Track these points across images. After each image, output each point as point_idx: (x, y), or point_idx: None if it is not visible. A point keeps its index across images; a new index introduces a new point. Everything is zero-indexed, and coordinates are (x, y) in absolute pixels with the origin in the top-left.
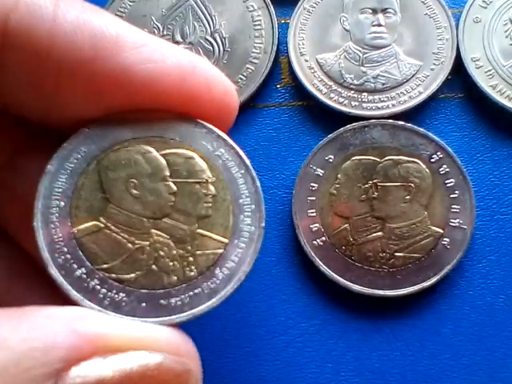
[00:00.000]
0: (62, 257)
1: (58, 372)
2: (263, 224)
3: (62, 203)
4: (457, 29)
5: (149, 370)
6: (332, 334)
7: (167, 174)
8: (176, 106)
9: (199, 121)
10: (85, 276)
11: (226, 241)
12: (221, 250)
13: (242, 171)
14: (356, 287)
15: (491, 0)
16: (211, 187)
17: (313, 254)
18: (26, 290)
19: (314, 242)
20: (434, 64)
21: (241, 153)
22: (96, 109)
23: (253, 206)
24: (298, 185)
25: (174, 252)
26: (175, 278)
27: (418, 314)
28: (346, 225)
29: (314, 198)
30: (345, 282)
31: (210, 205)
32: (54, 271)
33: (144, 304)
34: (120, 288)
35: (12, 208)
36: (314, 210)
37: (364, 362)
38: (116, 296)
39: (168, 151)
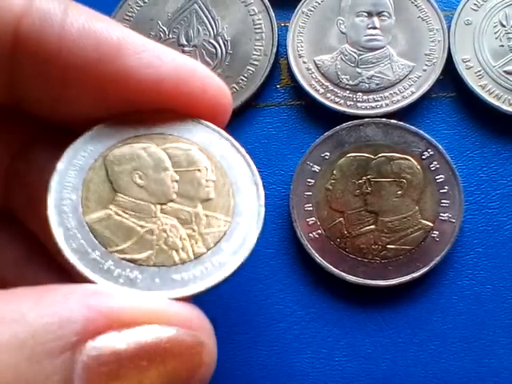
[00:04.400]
0: (76, 242)
1: (74, 345)
2: (262, 202)
3: (73, 196)
4: (448, 31)
5: (162, 343)
6: (327, 322)
7: (168, 164)
8: (174, 106)
9: (196, 119)
10: (99, 258)
11: (229, 219)
12: (226, 228)
13: (238, 158)
14: (350, 277)
15: (482, 3)
16: (210, 173)
17: (309, 246)
18: (39, 276)
19: (311, 235)
20: (426, 65)
21: (235, 143)
22: (100, 109)
23: (251, 187)
24: (295, 180)
25: (182, 232)
26: (185, 254)
27: (409, 303)
28: (340, 218)
29: (310, 193)
30: (339, 272)
31: (212, 189)
32: (69, 256)
33: (157, 280)
34: (133, 267)
35: (24, 195)
36: (310, 205)
37: (357, 347)
38: (130, 274)
39: (168, 145)
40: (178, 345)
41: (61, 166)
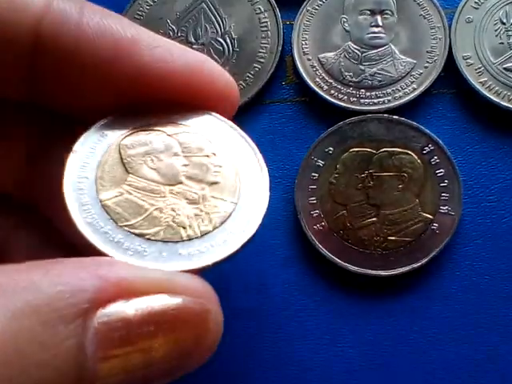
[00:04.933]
0: (90, 217)
1: (86, 312)
2: (267, 186)
3: (89, 175)
4: (449, 29)
5: (169, 310)
6: (330, 310)
7: (179, 150)
8: (185, 98)
9: (205, 110)
10: (110, 232)
11: (235, 201)
12: (231, 209)
13: (245, 146)
14: (352, 268)
15: (483, 1)
16: (218, 159)
17: (313, 237)
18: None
19: (315, 227)
20: (428, 62)
21: (241, 132)
22: (115, 102)
23: (257, 173)
24: (300, 174)
25: (189, 211)
26: (191, 232)
27: (409, 293)
28: (343, 211)
29: (314, 187)
30: (342, 262)
31: (219, 173)
32: (82, 228)
33: (164, 253)
34: (142, 241)
35: (42, 185)
36: (314, 198)
37: (359, 334)
38: (139, 247)
39: (179, 133)
40: (185, 312)
41: (78, 147)
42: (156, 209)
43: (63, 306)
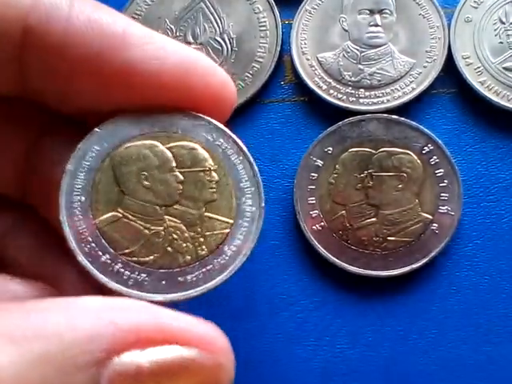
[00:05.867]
0: (88, 246)
1: (101, 360)
2: (263, 204)
3: (83, 198)
4: (449, 28)
5: (183, 363)
6: (329, 311)
7: (174, 165)
8: (178, 99)
9: (199, 114)
10: (109, 261)
11: (231, 221)
12: (227, 230)
13: (241, 158)
14: (352, 268)
15: (482, 0)
16: (214, 174)
17: (312, 238)
18: (57, 263)
19: (314, 227)
20: (427, 62)
21: (238, 141)
22: (106, 101)
23: (253, 189)
24: (299, 174)
25: (186, 234)
26: (189, 257)
27: (409, 293)
28: (343, 211)
29: (313, 187)
30: (341, 263)
31: (215, 190)
32: (82, 259)
33: (164, 282)
34: (141, 269)
35: (39, 185)
36: (313, 198)
37: (358, 335)
38: (138, 277)
39: (173, 144)
40: (198, 366)
41: (70, 167)
42: (153, 234)
43: (79, 353)
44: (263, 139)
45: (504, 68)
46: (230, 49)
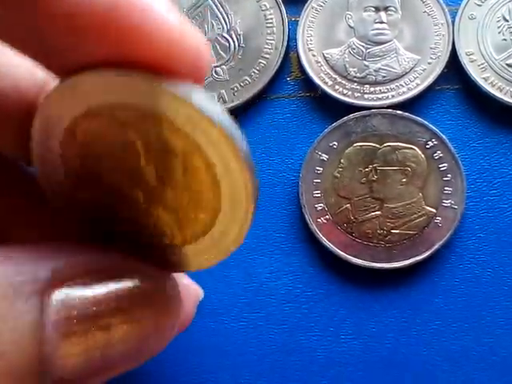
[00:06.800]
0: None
1: (44, 290)
2: (252, 198)
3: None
4: (453, 25)
5: (126, 289)
6: (334, 302)
7: (139, 149)
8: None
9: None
10: None
11: (214, 219)
12: (211, 226)
13: (232, 140)
14: (356, 260)
15: None
16: (189, 159)
17: (317, 230)
18: (26, 228)
19: (319, 220)
20: (431, 58)
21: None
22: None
23: (242, 189)
24: (304, 168)
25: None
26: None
27: (412, 285)
28: (347, 205)
29: (319, 181)
30: (346, 255)
31: (193, 179)
32: None
33: None
34: None
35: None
36: (318, 191)
37: (362, 326)
38: None
39: (134, 117)
40: (142, 291)
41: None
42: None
43: (21, 281)
44: (269, 134)
45: (507, 64)
46: (237, 45)
